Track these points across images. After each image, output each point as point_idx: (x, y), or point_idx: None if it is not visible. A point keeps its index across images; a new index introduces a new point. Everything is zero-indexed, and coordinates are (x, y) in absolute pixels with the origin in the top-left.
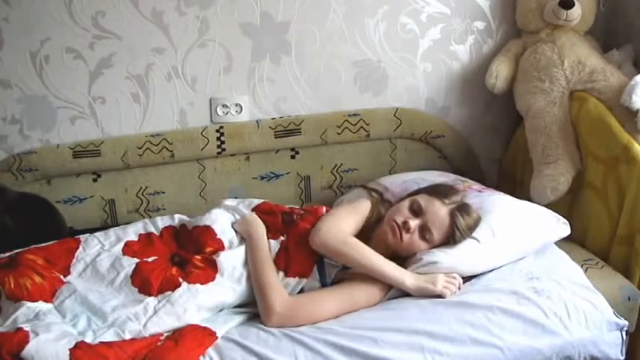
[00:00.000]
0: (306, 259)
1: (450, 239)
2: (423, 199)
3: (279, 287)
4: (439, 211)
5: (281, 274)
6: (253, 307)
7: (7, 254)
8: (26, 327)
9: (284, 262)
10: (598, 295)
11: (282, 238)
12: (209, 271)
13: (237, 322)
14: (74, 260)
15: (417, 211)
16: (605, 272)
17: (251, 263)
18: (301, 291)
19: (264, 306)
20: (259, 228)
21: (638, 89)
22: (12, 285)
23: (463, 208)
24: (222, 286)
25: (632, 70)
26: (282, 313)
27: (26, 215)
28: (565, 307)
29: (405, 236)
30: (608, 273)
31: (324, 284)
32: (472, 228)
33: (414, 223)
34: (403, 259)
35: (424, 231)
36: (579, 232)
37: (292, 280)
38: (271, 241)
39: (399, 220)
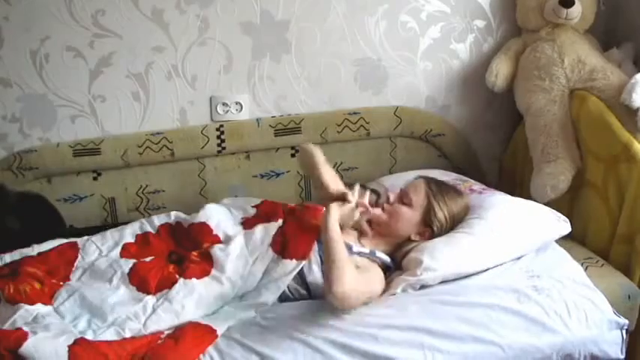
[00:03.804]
0: (303, 242)
1: (431, 206)
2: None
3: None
4: (417, 182)
5: (276, 256)
6: (253, 299)
7: (9, 262)
8: (25, 328)
9: (279, 246)
10: (598, 294)
11: (280, 221)
12: (204, 265)
13: (238, 320)
14: (73, 269)
15: (400, 194)
16: (606, 271)
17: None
18: (302, 274)
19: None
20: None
21: (638, 88)
22: (11, 290)
23: (439, 182)
24: (219, 279)
25: (632, 69)
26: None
27: (27, 214)
28: (565, 305)
29: (386, 206)
30: (609, 271)
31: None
32: (452, 192)
33: (392, 195)
34: (405, 253)
35: (403, 197)
36: (579, 231)
37: (289, 263)
38: (272, 223)
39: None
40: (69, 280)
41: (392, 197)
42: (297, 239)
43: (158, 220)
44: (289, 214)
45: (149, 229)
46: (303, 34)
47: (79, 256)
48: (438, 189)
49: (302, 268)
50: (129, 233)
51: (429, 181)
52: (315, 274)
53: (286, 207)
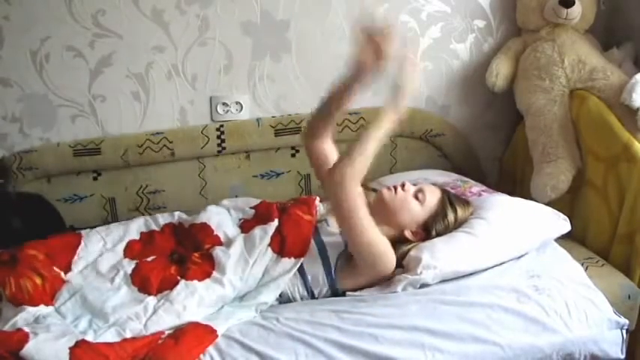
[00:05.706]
0: (299, 240)
1: (440, 214)
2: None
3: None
4: (435, 187)
5: (275, 255)
6: (253, 299)
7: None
8: (26, 329)
9: (278, 245)
10: (598, 294)
11: (276, 222)
12: (206, 266)
13: (238, 319)
14: (75, 257)
15: (417, 188)
16: (606, 270)
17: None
18: (302, 272)
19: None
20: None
21: (638, 88)
22: (13, 288)
23: (455, 196)
24: (220, 280)
25: (632, 69)
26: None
27: (26, 214)
28: (566, 305)
29: (400, 191)
30: (609, 271)
31: (327, 266)
32: (463, 206)
33: (409, 184)
34: (404, 253)
35: (418, 192)
36: (580, 231)
37: (288, 261)
38: (267, 225)
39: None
40: (70, 269)
41: (408, 185)
42: (294, 237)
43: (162, 219)
44: (282, 211)
45: (154, 227)
46: (303, 34)
47: (82, 244)
48: (451, 204)
49: (302, 266)
50: (134, 229)
51: (448, 193)
52: (315, 271)
53: (279, 205)
